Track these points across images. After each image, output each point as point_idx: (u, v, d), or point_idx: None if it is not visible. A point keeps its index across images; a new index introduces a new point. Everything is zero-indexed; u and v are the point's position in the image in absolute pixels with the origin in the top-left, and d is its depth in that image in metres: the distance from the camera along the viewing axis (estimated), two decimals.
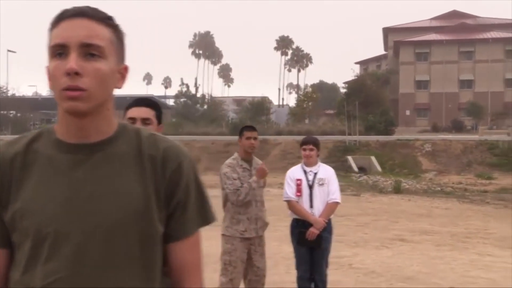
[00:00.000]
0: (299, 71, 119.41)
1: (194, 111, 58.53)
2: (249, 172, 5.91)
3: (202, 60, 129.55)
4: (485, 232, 13.41)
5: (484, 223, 14.94)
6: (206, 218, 1.78)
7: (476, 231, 13.54)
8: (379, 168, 31.76)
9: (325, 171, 6.62)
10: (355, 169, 31.95)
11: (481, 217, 16.37)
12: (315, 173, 6.53)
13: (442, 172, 31.38)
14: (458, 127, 56.20)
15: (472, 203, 20.28)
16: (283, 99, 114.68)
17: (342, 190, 24.67)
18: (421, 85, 67.83)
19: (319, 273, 6.48)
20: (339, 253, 10.54)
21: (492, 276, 8.63)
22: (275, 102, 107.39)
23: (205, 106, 63.18)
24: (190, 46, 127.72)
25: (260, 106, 52.19)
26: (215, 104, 65.92)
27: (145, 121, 3.29)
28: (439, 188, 24.72)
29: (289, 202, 6.48)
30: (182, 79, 66.56)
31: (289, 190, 6.48)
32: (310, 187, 6.45)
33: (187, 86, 60.19)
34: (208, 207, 1.79)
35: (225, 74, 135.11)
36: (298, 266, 6.52)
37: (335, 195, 6.55)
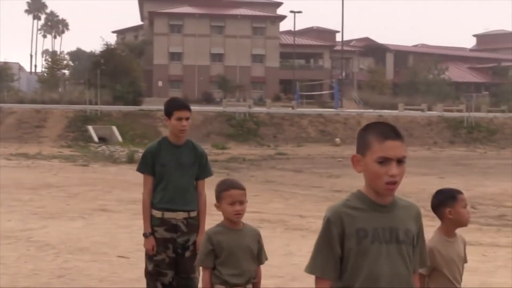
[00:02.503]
0: (55, 37, 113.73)
1: None
2: None
3: None
4: None
5: None
6: None
7: None
8: (120, 138, 31.44)
9: None
10: (95, 139, 31.26)
11: None
12: None
13: None
14: (208, 99, 58.10)
15: None
16: (35, 66, 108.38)
17: (73, 160, 23.80)
18: (175, 56, 68.60)
19: None
20: (26, 226, 10.01)
21: None
22: (28, 69, 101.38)
23: None
24: None
25: None
26: None
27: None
28: None
29: None
30: None
31: None
32: None
33: None
34: None
35: None
36: None
37: None
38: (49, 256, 7.91)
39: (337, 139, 33.74)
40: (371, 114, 39.02)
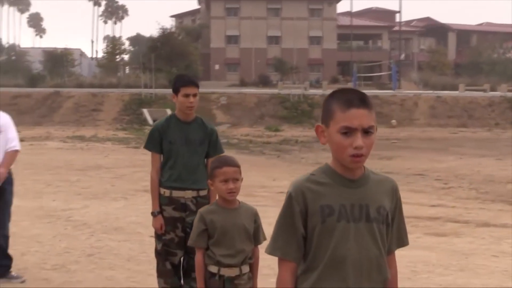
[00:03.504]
0: (115, 23, 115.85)
1: None
2: None
3: (6, 7, 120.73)
4: None
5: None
6: None
7: None
8: None
9: (1, 118, 6.01)
10: (150, 121, 31.58)
11: (245, 167, 16.64)
12: None
13: (236, 124, 32.03)
14: (264, 82, 57.94)
15: (250, 154, 20.78)
16: (96, 51, 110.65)
17: (126, 142, 24.07)
18: (232, 40, 68.69)
19: (3, 227, 5.95)
20: (68, 206, 10.11)
21: None
22: (90, 55, 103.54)
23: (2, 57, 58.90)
24: None
25: (59, 58, 49.59)
26: (17, 54, 61.75)
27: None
28: (225, 140, 25.08)
29: None
30: None
31: None
32: None
33: None
34: None
35: (36, 23, 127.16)
36: None
37: (14, 143, 6.00)
38: (84, 235, 7.95)
39: (393, 121, 33.01)
40: (429, 95, 37.98)
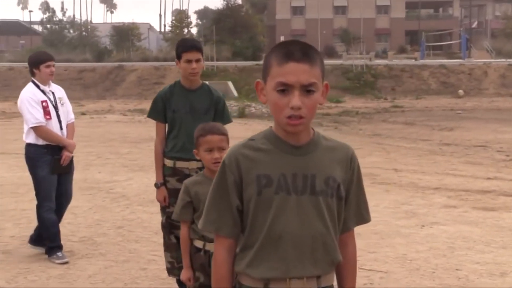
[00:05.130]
0: None
1: (62, 37, 55.66)
2: None
3: None
4: None
5: None
6: None
7: None
8: (235, 93, 31.58)
9: (59, 90, 6.02)
10: None
11: None
12: (53, 93, 5.86)
13: None
14: (330, 53, 57.07)
15: None
16: (164, 25, 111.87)
17: None
18: (297, 11, 67.94)
19: (69, 200, 5.98)
20: (112, 178, 10.15)
21: None
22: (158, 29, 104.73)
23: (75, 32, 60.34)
24: None
25: (125, 32, 50.33)
26: (87, 30, 63.10)
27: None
28: None
29: (38, 128, 5.63)
30: (47, 3, 62.75)
31: (37, 114, 5.60)
32: (55, 108, 5.78)
33: (53, 11, 56.91)
34: None
35: None
36: (48, 198, 5.69)
37: (72, 115, 6.06)
38: (120, 207, 7.92)
39: (460, 91, 31.82)
40: (500, 63, 36.38)
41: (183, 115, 4.36)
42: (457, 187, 9.32)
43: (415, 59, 41.88)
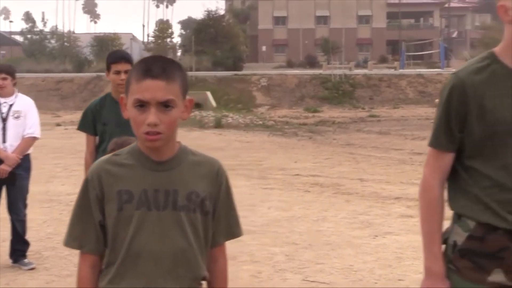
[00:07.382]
0: (167, 7, 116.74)
1: (42, 48, 55.46)
2: None
3: None
4: (256, 163, 13.41)
5: (266, 155, 15.00)
6: None
7: (248, 162, 13.52)
8: (214, 104, 31.59)
9: (23, 103, 5.98)
10: None
11: (273, 149, 16.45)
12: (11, 105, 5.88)
13: (275, 106, 31.73)
14: (312, 63, 57.23)
15: (282, 136, 20.49)
16: (148, 35, 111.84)
17: None
18: (279, 21, 68.19)
19: (16, 213, 5.96)
20: (74, 190, 10.07)
21: None
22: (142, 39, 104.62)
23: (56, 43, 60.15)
24: None
25: (104, 43, 50.28)
26: (69, 40, 62.92)
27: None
28: (261, 122, 24.80)
29: None
30: (29, 13, 62.51)
31: None
32: (4, 120, 5.84)
33: (33, 21, 56.70)
34: None
35: (90, 9, 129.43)
36: None
37: (33, 129, 5.99)
38: None
39: (437, 100, 31.95)
40: None
41: (113, 129, 4.32)
42: (418, 197, 9.33)
43: (395, 68, 42.11)
